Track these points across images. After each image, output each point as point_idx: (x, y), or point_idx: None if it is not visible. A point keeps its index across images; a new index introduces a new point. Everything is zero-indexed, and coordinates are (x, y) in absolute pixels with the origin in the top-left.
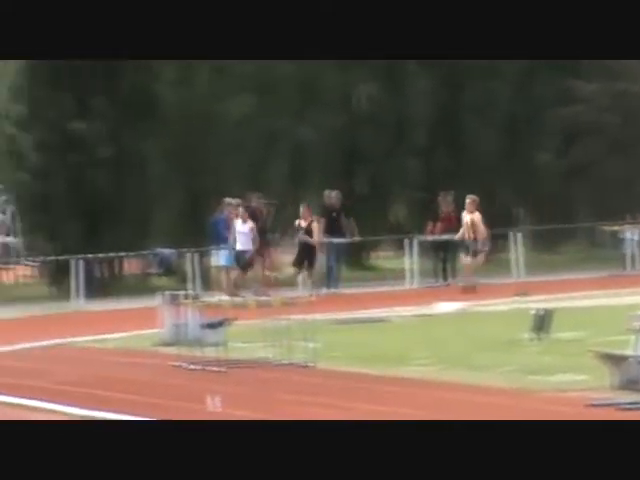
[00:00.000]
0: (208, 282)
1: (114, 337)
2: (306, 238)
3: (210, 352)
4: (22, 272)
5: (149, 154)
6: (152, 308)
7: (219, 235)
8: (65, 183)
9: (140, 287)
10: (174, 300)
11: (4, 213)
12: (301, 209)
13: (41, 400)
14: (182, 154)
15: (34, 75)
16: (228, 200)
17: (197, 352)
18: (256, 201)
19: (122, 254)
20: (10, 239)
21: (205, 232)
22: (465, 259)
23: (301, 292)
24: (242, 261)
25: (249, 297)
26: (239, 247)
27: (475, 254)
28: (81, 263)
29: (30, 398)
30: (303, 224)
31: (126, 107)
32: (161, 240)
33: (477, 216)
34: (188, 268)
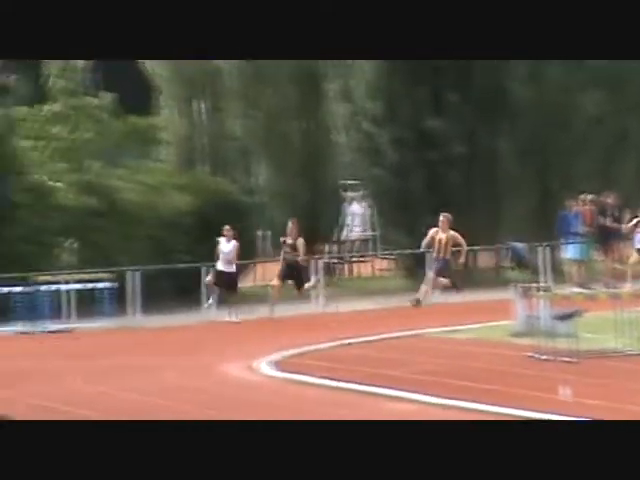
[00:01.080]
0: (559, 275)
1: (468, 328)
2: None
3: (562, 343)
4: (379, 265)
5: (501, 151)
6: (504, 300)
7: (569, 229)
8: (420, 179)
9: (493, 280)
10: (527, 292)
11: (364, 208)
12: (289, 225)
13: (399, 390)
14: (533, 150)
15: (390, 73)
16: (583, 196)
17: (549, 343)
18: (611, 198)
19: (476, 247)
20: (369, 233)
21: (555, 226)
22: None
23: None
24: (225, 283)
25: (599, 289)
26: (220, 267)
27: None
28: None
29: (389, 387)
30: (289, 241)
31: (479, 105)
32: (512, 234)
33: (451, 235)
34: (540, 261)
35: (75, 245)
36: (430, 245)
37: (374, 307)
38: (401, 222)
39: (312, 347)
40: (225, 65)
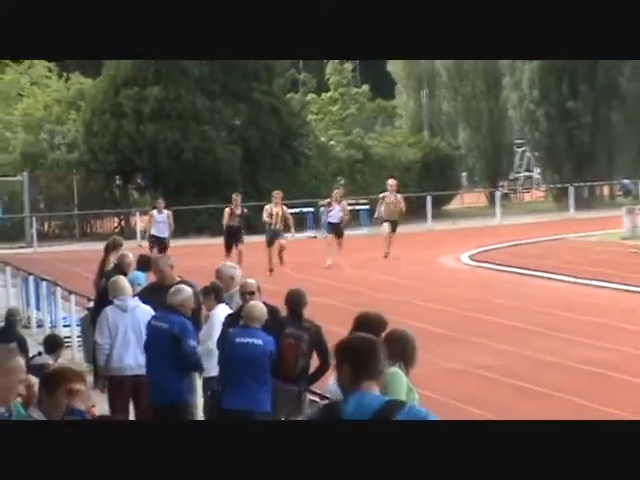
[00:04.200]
0: None
1: (594, 234)
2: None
3: None
4: (536, 194)
5: (614, 121)
6: (617, 216)
7: None
8: (562, 139)
9: (609, 204)
10: (631, 211)
11: (521, 160)
12: (234, 198)
13: (551, 273)
14: (635, 120)
15: (544, 72)
16: None
17: None
18: None
19: (596, 183)
20: (531, 173)
21: None
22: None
23: None
24: (162, 246)
25: None
26: (156, 233)
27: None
28: (572, 189)
29: (544, 272)
30: (237, 212)
31: (600, 91)
32: (622, 174)
33: (286, 209)
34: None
35: (343, 182)
36: None
37: (530, 221)
38: (550, 166)
39: (495, 246)
40: (439, 66)
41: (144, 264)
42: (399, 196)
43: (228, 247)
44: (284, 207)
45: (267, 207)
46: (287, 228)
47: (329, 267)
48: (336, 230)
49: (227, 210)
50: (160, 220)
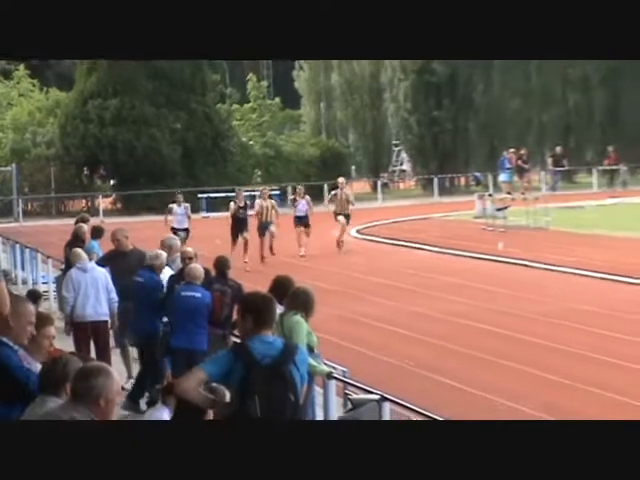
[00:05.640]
0: (498, 188)
1: (453, 214)
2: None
3: (499, 222)
4: (409, 183)
5: (470, 127)
6: (471, 200)
7: (504, 165)
8: (429, 141)
9: (465, 191)
10: (481, 196)
11: (397, 157)
12: (237, 191)
13: (421, 244)
14: (487, 127)
15: (415, 88)
16: (512, 150)
17: (493, 222)
18: (524, 151)
19: (455, 175)
20: (404, 167)
21: (497, 164)
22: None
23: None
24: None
25: (517, 196)
26: (176, 225)
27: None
28: (436, 180)
29: (415, 243)
30: (241, 204)
31: (459, 104)
32: (475, 168)
33: (274, 202)
34: (489, 181)
35: (260, 173)
36: None
37: (403, 204)
38: (419, 162)
39: (377, 223)
40: (335, 83)
41: (96, 233)
42: (347, 192)
43: (234, 236)
44: (272, 201)
45: (258, 201)
46: (276, 217)
47: (303, 256)
48: (304, 222)
49: (232, 203)
50: (180, 213)
